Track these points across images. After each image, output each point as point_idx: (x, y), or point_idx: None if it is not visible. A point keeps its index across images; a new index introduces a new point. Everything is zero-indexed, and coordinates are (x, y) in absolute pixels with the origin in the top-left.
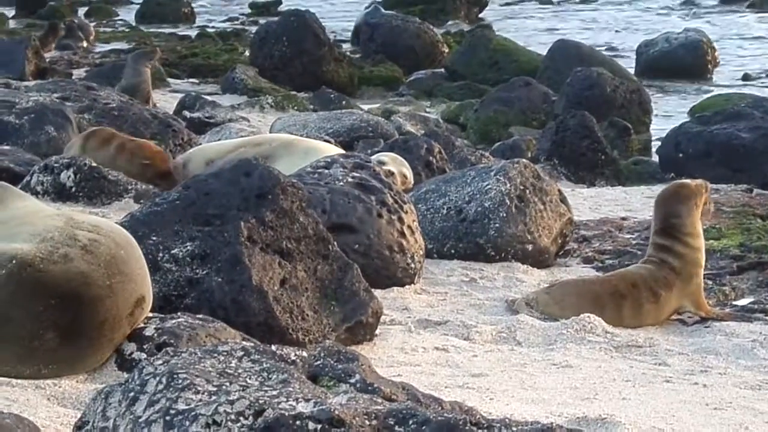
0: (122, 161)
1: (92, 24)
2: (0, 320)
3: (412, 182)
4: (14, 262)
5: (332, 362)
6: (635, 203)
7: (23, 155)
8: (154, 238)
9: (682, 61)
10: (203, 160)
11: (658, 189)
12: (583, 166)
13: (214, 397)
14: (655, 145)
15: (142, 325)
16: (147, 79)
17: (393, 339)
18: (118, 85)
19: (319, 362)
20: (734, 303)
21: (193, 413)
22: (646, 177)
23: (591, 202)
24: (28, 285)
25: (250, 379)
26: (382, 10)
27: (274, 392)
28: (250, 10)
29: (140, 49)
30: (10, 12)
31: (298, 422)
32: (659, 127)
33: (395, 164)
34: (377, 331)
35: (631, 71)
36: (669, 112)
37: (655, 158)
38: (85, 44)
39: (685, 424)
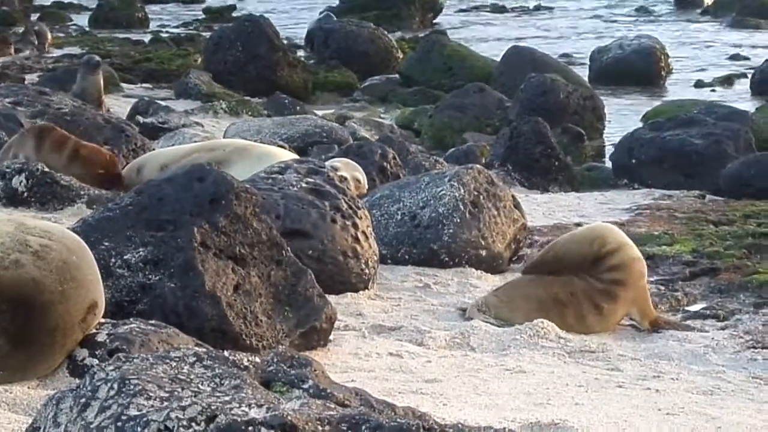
0: (76, 169)
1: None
2: None
3: (366, 188)
4: None
5: (285, 368)
6: (589, 209)
7: None
8: (107, 244)
9: (636, 68)
10: (157, 165)
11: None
12: (537, 172)
13: (165, 403)
14: (609, 151)
15: (95, 330)
16: (95, 84)
17: (347, 345)
18: (71, 91)
19: (271, 368)
20: (686, 309)
21: (144, 419)
22: (599, 183)
23: (545, 208)
24: None
25: (202, 384)
26: (334, 18)
27: (227, 398)
28: (204, 15)
29: (89, 55)
30: None
31: (250, 428)
32: (612, 134)
33: (349, 169)
34: (331, 337)
35: (585, 78)
36: (622, 118)
37: (609, 164)
38: (45, 46)
39: (637, 429)
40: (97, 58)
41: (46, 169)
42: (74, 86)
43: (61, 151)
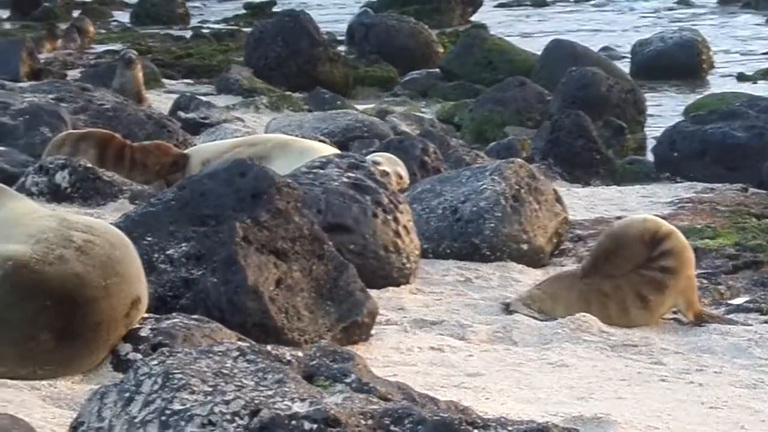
0: (137, 174)
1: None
2: None
3: (408, 182)
4: (10, 263)
5: (328, 362)
6: (631, 202)
7: (18, 156)
8: (150, 239)
9: (677, 61)
10: (199, 161)
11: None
12: (578, 166)
13: (209, 398)
14: (650, 144)
15: (138, 325)
16: (133, 79)
17: (388, 339)
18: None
19: (314, 362)
20: (730, 302)
21: (188, 413)
22: (641, 176)
23: (586, 202)
24: (24, 286)
25: (245, 379)
26: (371, 13)
27: (270, 392)
28: (244, 11)
29: (125, 51)
30: (4, 13)
31: (293, 422)
32: (654, 127)
33: (390, 164)
34: (373, 331)
35: (627, 71)
36: (664, 111)
37: (650, 157)
38: (86, 42)
39: (681, 423)
40: (132, 53)
41: (89, 165)
42: (113, 82)
43: (122, 162)
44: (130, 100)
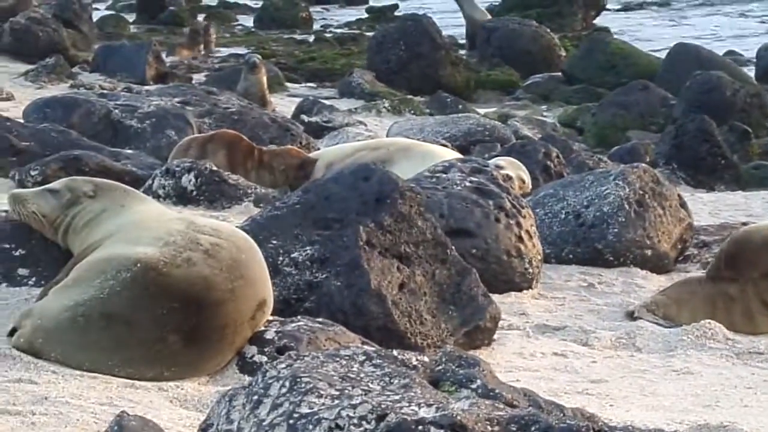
0: (265, 176)
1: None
2: (124, 323)
3: (530, 186)
4: (138, 265)
5: (453, 367)
6: (756, 208)
7: (145, 159)
8: (275, 242)
9: None
10: (323, 164)
11: None
12: (703, 171)
13: (336, 401)
14: None
15: (263, 328)
16: (257, 83)
17: (511, 344)
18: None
19: (440, 367)
20: None
21: (316, 417)
22: (766, 182)
23: (711, 207)
24: (152, 288)
25: (372, 383)
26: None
27: (396, 397)
28: (367, 15)
29: (250, 55)
30: (130, 17)
31: (420, 427)
32: None
33: (513, 168)
34: (495, 336)
35: (752, 76)
36: None
37: None
38: (210, 46)
39: None
40: (256, 57)
41: (215, 168)
42: (238, 85)
43: (251, 163)
44: (255, 104)
